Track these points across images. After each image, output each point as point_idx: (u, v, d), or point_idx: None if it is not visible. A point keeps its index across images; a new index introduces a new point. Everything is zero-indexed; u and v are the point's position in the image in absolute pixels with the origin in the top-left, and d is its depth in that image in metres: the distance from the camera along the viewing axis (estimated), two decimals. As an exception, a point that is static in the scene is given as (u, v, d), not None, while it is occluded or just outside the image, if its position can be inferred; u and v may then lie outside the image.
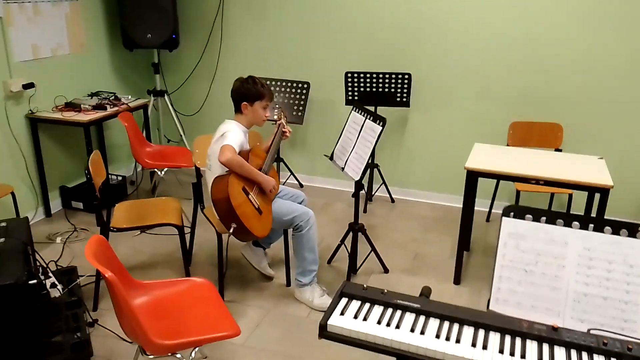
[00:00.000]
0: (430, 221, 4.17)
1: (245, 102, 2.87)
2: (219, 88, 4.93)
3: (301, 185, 4.82)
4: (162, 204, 3.21)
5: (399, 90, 4.11)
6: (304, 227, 2.92)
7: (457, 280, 3.29)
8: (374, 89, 4.13)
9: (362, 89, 4.14)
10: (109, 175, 4.55)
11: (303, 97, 4.36)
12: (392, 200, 4.53)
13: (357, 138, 3.03)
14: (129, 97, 4.37)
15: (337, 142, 3.25)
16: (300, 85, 4.36)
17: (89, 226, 3.96)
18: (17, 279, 2.22)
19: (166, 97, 4.80)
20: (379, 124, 2.85)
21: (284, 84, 4.41)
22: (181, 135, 4.90)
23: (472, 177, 3.06)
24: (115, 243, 3.64)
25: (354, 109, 3.18)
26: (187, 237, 3.41)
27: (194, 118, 5.11)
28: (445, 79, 4.22)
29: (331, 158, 3.27)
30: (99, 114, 3.90)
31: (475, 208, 4.40)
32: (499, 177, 3.00)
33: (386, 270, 3.40)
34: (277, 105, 4.32)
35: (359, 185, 3.00)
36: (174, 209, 3.13)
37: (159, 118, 4.98)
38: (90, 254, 1.91)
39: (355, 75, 4.07)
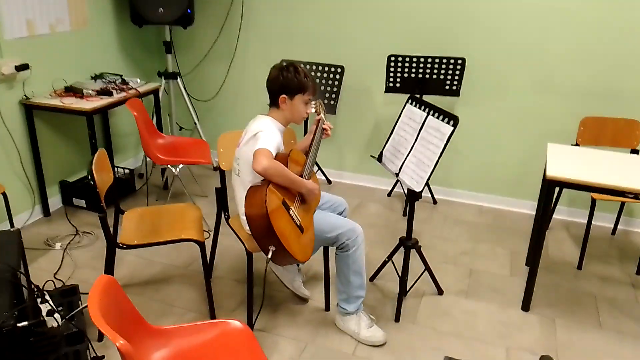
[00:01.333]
0: (480, 228, 3.66)
1: (284, 95, 2.34)
2: (239, 71, 4.39)
3: (329, 182, 4.30)
4: (179, 212, 2.70)
5: (449, 77, 3.56)
6: (350, 246, 2.42)
7: (526, 307, 2.79)
8: (420, 75, 3.58)
9: (405, 75, 3.59)
10: (115, 168, 4.05)
11: (336, 83, 3.81)
12: (435, 202, 4.02)
13: (416, 139, 2.50)
14: (138, 80, 3.84)
15: (387, 141, 2.73)
16: (333, 69, 3.81)
17: (93, 228, 3.47)
18: (1, 323, 1.73)
19: (179, 79, 4.27)
20: (448, 124, 2.32)
21: (314, 67, 3.86)
22: (195, 123, 4.37)
23: (553, 186, 2.54)
24: (123, 251, 3.16)
25: (411, 101, 2.64)
26: (208, 249, 2.92)
27: (209, 104, 4.58)
28: (500, 66, 3.66)
29: (379, 159, 2.75)
30: (104, 100, 3.37)
31: (522, 211, 3.91)
32: (588, 189, 2.48)
33: (440, 292, 2.90)
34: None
35: (413, 196, 2.49)
36: (193, 219, 2.62)
37: (170, 103, 4.44)
38: (95, 307, 1.42)
39: (400, 59, 3.52)
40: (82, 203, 3.72)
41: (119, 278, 2.93)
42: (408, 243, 2.70)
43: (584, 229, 3.14)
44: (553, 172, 2.51)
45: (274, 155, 2.21)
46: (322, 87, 3.82)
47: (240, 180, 2.41)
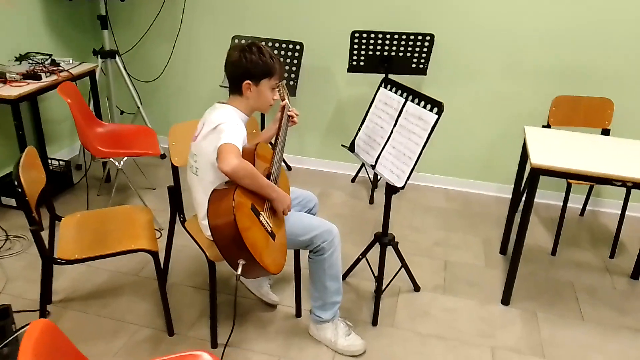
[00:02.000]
0: (450, 215, 3.50)
1: (248, 81, 2.02)
2: (185, 48, 3.99)
3: (289, 168, 4.02)
4: (126, 215, 2.36)
5: (416, 54, 3.33)
6: (326, 249, 2.17)
7: (506, 301, 2.65)
8: (385, 53, 3.33)
9: (370, 53, 3.33)
10: (49, 161, 3.61)
11: (295, 61, 3.50)
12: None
13: (394, 127, 2.26)
14: (70, 60, 3.39)
15: (359, 128, 2.47)
16: (291, 46, 3.50)
17: (26, 232, 3.06)
18: None
19: (117, 58, 3.82)
20: (431, 111, 2.08)
21: (269, 44, 3.53)
22: (138, 107, 3.96)
23: (537, 175, 2.37)
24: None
25: (385, 84, 2.39)
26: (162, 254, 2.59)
27: (153, 85, 4.16)
28: (469, 45, 3.46)
29: (352, 149, 2.49)
30: (32, 85, 2.93)
31: (490, 193, 3.79)
32: (576, 177, 2.32)
33: (417, 289, 2.72)
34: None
35: (391, 189, 2.25)
36: (143, 224, 2.29)
37: (109, 85, 3.99)
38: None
39: (365, 35, 3.24)
40: (12, 202, 3.28)
41: (58, 292, 2.57)
42: (384, 240, 2.48)
43: (555, 212, 3.04)
44: (538, 160, 2.34)
45: (241, 151, 1.91)
46: (280, 67, 3.50)
47: (199, 179, 2.09)
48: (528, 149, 2.48)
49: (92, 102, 3.56)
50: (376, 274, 2.54)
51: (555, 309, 2.62)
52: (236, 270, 1.84)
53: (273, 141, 2.25)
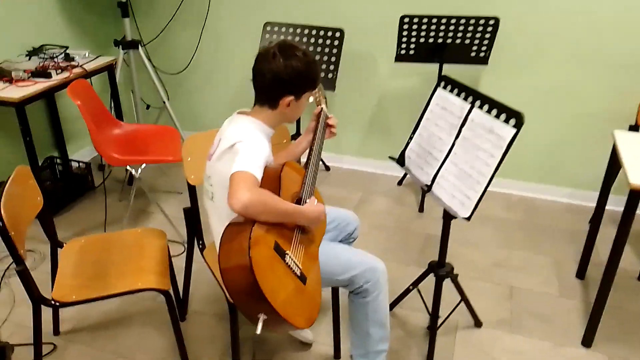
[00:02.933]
0: (511, 227, 3.03)
1: (291, 97, 1.63)
2: (213, 37, 3.61)
3: (327, 168, 3.63)
4: (135, 242, 2.02)
5: (476, 41, 2.84)
6: (370, 292, 1.77)
7: (588, 342, 2.20)
8: (440, 40, 2.86)
9: (422, 40, 2.87)
10: (70, 163, 3.34)
11: (334, 51, 3.07)
12: (454, 192, 3.37)
13: (456, 139, 1.82)
14: (87, 53, 3.07)
15: (411, 137, 2.04)
16: (330, 34, 3.06)
17: (38, 244, 2.78)
18: None
19: (140, 49, 3.49)
20: (507, 123, 1.63)
21: (306, 32, 3.11)
22: (164, 102, 3.63)
23: (637, 198, 1.89)
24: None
25: (444, 84, 1.94)
26: (180, 280, 2.25)
27: (180, 78, 3.82)
28: (536, 30, 2.94)
29: (401, 162, 2.07)
30: (40, 85, 2.62)
31: (557, 199, 3.27)
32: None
33: (478, 324, 2.29)
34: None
35: (449, 215, 1.82)
36: (155, 254, 1.95)
37: (131, 76, 3.68)
38: None
39: (416, 20, 2.78)
40: (26, 209, 3.02)
41: (65, 320, 2.28)
42: (441, 272, 2.06)
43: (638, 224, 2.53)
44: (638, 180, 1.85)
45: (260, 177, 1.52)
46: (319, 56, 3.08)
47: (215, 207, 1.72)
48: (622, 161, 1.99)
49: (111, 99, 3.25)
50: (430, 307, 2.14)
51: (649, 355, 2.15)
52: (255, 326, 1.46)
53: (306, 157, 1.85)
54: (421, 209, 3.16)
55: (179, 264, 2.43)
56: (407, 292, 2.27)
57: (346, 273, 1.75)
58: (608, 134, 3.05)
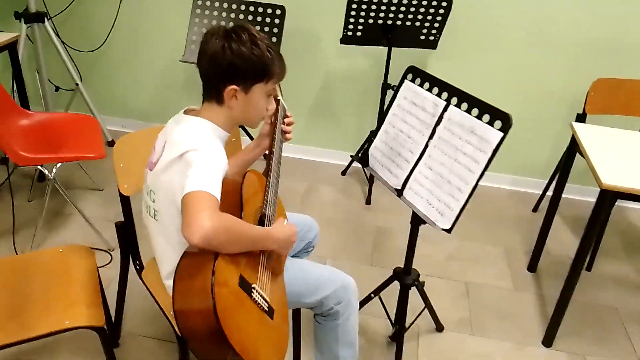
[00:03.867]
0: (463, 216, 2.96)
1: (233, 86, 1.36)
2: (135, 9, 3.19)
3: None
4: (58, 264, 1.69)
5: (426, 24, 2.68)
6: (341, 313, 1.59)
7: (548, 341, 2.16)
8: (389, 22, 2.67)
9: (370, 21, 2.66)
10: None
11: (275, 30, 2.80)
12: (401, 181, 3.25)
13: (430, 139, 1.65)
14: (-20, 28, 2.58)
15: (374, 134, 1.85)
16: (270, 11, 2.78)
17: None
18: None
19: (47, 22, 3.01)
20: (491, 124, 1.48)
21: (243, 8, 2.80)
22: (77, 84, 3.18)
23: (611, 199, 1.83)
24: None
25: (412, 76, 1.76)
26: (112, 304, 1.94)
27: (95, 55, 3.36)
28: (488, 11, 2.84)
29: (364, 162, 1.88)
30: None
31: (500, 186, 3.27)
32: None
33: (440, 328, 2.19)
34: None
35: (418, 219, 1.65)
36: (84, 278, 1.64)
37: (38, 55, 3.19)
38: None
39: (365, 0, 2.56)
40: None
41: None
42: (407, 280, 1.92)
43: (581, 209, 2.54)
44: (611, 181, 1.78)
45: (219, 195, 1.26)
46: (256, 37, 2.78)
47: (160, 228, 1.44)
48: (590, 159, 1.92)
49: (14, 83, 2.78)
50: (391, 314, 2.01)
51: (605, 349, 2.15)
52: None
53: (267, 162, 1.61)
54: (368, 202, 3.01)
55: (107, 276, 2.12)
56: (368, 299, 2.11)
57: (315, 294, 1.55)
58: (554, 120, 3.04)
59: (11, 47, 2.60)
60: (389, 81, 2.84)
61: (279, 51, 1.41)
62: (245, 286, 1.28)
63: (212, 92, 1.38)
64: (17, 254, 2.39)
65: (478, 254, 2.66)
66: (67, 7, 3.21)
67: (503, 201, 3.14)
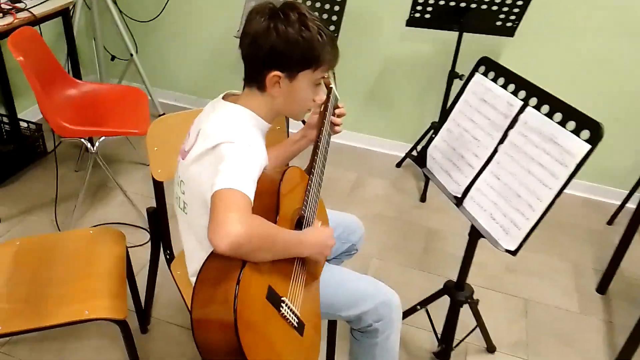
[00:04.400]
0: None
1: (276, 72, 1.19)
2: (192, -20, 3.08)
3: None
4: (86, 248, 1.60)
5: (505, 8, 2.41)
6: (381, 331, 1.42)
7: (617, 377, 1.92)
8: (463, 4, 2.42)
9: (441, 2, 2.42)
10: (19, 122, 2.85)
11: (336, 9, 2.59)
12: (460, 178, 3.01)
13: (500, 143, 1.43)
14: (36, -8, 2.53)
15: (435, 131, 1.64)
16: (332, -11, 2.58)
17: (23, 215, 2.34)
18: None
19: (105, -10, 2.95)
20: (577, 134, 1.24)
21: (303, -17, 2.61)
22: (132, 55, 3.12)
23: None
24: None
25: (485, 69, 1.53)
26: (142, 291, 1.85)
27: (150, 26, 3.28)
28: (578, -8, 2.53)
29: (421, 163, 1.68)
30: (-28, 31, 2.11)
31: (575, 193, 2.93)
32: None
33: (491, 349, 1.98)
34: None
35: (477, 233, 1.44)
36: (111, 265, 1.55)
37: (94, 22, 3.14)
38: None
39: (437, -21, 2.32)
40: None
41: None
42: (459, 296, 1.72)
43: None
44: None
45: (253, 195, 1.10)
46: (316, 14, 2.59)
47: (188, 221, 1.32)
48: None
49: (68, 52, 2.73)
50: (439, 331, 1.83)
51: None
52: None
53: (311, 157, 1.44)
54: (423, 199, 2.79)
55: (142, 256, 2.03)
56: (413, 310, 1.93)
57: (353, 308, 1.39)
58: (640, 125, 2.70)
59: (64, 13, 2.54)
60: (456, 70, 2.60)
61: (333, 35, 1.23)
62: (274, 299, 1.13)
63: (254, 78, 1.22)
64: (57, 225, 2.36)
65: (541, 267, 2.41)
66: (126, -26, 3.13)
67: (575, 210, 2.84)
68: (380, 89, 3.05)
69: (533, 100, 1.37)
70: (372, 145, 3.20)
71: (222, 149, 1.14)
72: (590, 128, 1.22)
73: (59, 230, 2.34)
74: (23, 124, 2.83)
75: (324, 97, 1.34)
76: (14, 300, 1.41)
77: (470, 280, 2.02)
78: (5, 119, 2.82)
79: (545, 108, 1.33)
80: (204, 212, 1.19)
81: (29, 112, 3.09)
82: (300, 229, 1.26)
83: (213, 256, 1.12)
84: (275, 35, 1.15)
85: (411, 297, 2.11)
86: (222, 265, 1.10)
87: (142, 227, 2.40)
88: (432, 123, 2.87)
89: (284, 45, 1.15)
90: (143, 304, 1.88)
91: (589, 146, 1.21)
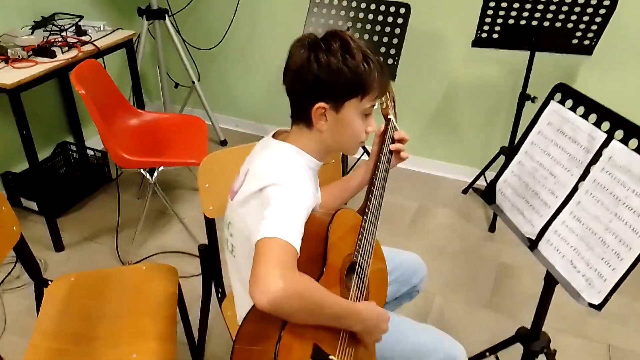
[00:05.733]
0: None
1: (321, 104, 1.12)
2: (252, 7, 3.08)
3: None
4: (138, 284, 1.58)
5: (581, 25, 2.22)
6: (446, 391, 1.28)
7: None
8: (535, 22, 2.25)
9: (510, 21, 2.27)
10: (86, 150, 2.94)
11: (397, 31, 2.49)
12: (532, 207, 2.80)
13: (580, 180, 1.27)
14: (102, 25, 2.60)
15: (505, 164, 1.50)
16: (393, 10, 2.48)
17: (43, 251, 2.40)
18: None
19: (167, 20, 3.00)
20: (677, 176, 1.07)
21: (363, 6, 2.53)
22: (193, 82, 3.15)
23: None
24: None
25: (561, 96, 1.38)
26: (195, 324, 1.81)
27: (212, 53, 3.31)
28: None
29: (489, 199, 1.53)
30: (41, 66, 2.17)
31: None
32: None
33: (571, 404, 1.78)
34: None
35: (552, 280, 1.28)
36: (161, 302, 1.51)
37: (158, 51, 3.21)
38: None
39: (507, -3, 2.18)
40: (33, 206, 2.63)
41: None
42: (534, 347, 1.55)
43: None
44: None
45: (299, 244, 1.01)
46: (376, 37, 2.51)
47: (236, 264, 1.25)
48: None
49: (132, 81, 2.78)
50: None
51: None
52: None
53: (365, 196, 1.34)
54: (492, 229, 2.61)
55: (199, 285, 2.00)
56: (481, 356, 1.77)
57: (415, 366, 1.26)
58: None
59: (128, 45, 2.59)
60: (528, 92, 2.42)
61: (380, 60, 1.14)
62: (320, 358, 1.03)
63: (300, 113, 1.15)
64: (118, 254, 2.38)
65: (626, 311, 2.16)
66: (188, 4, 3.17)
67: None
68: (444, 111, 2.90)
69: (619, 133, 1.20)
70: (436, 171, 3.05)
71: (269, 191, 1.06)
72: (692, 167, 1.05)
73: (120, 258, 2.35)
74: (90, 152, 2.92)
75: (376, 127, 1.24)
76: (63, 340, 1.39)
77: (546, 321, 1.84)
78: (73, 147, 2.92)
79: (634, 143, 1.17)
80: (251, 258, 1.11)
81: (97, 139, 3.18)
82: (353, 275, 1.16)
83: (253, 311, 1.04)
84: (316, 66, 1.08)
85: (479, 341, 1.95)
86: (261, 321, 1.02)
87: (197, 256, 2.37)
88: (502, 148, 2.69)
89: (327, 75, 1.08)
90: (196, 340, 1.83)
91: (690, 189, 1.03)
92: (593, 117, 1.28)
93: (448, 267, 2.36)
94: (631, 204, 1.14)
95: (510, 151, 1.44)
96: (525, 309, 2.14)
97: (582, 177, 1.27)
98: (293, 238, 0.99)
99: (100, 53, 2.39)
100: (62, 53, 2.27)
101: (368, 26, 2.49)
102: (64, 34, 2.45)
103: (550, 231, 1.31)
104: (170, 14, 3.07)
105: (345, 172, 1.73)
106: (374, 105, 1.20)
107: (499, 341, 1.70)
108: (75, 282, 1.58)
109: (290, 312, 0.94)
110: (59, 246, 2.39)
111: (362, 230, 1.22)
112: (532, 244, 1.35)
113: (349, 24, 2.50)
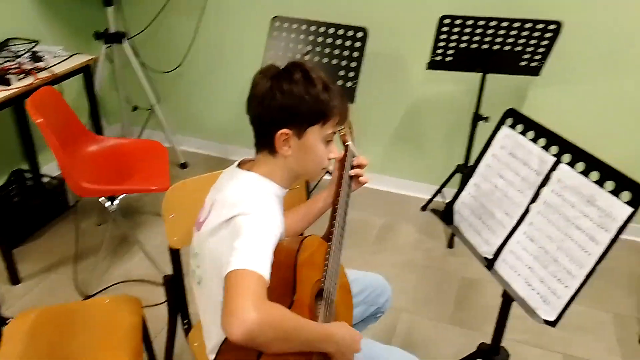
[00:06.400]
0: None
1: (284, 130, 1.15)
2: (213, 30, 3.10)
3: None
4: (103, 318, 1.55)
5: (529, 48, 2.33)
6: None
7: None
8: (485, 46, 2.35)
9: (463, 45, 2.37)
10: (41, 177, 2.87)
11: (355, 54, 2.55)
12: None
13: (531, 202, 1.34)
14: (59, 50, 2.57)
15: (462, 186, 1.56)
16: (351, 34, 2.55)
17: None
18: None
19: (126, 42, 2.98)
20: (619, 197, 1.15)
21: (322, 30, 2.59)
22: (152, 106, 3.13)
23: None
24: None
25: (512, 122, 1.45)
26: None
27: (172, 76, 3.30)
28: (602, 30, 2.44)
29: (447, 220, 1.59)
30: (-6, 94, 2.13)
31: (627, 238, 2.77)
32: None
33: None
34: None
35: (509, 299, 1.33)
36: (127, 336, 1.49)
37: (114, 76, 3.18)
38: None
39: (459, 22, 2.27)
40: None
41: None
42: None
43: None
44: None
45: (269, 273, 1.03)
46: (335, 61, 2.57)
47: (204, 294, 1.26)
48: None
49: (90, 105, 2.74)
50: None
51: None
52: None
53: (329, 223, 1.37)
54: (450, 245, 2.68)
55: (164, 314, 1.97)
56: (447, 374, 1.81)
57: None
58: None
59: (86, 70, 2.56)
60: (481, 112, 2.52)
61: (340, 89, 1.19)
62: (293, 388, 1.04)
63: (264, 141, 1.19)
64: (76, 284, 2.33)
65: (583, 320, 2.26)
66: (147, 27, 3.16)
67: (619, 252, 2.68)
68: (406, 130, 2.98)
69: (566, 157, 1.28)
70: (399, 188, 3.11)
71: (238, 221, 1.08)
72: (630, 189, 1.12)
73: (79, 289, 2.30)
74: (46, 179, 2.85)
75: (338, 154, 1.28)
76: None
77: (506, 334, 1.90)
78: (28, 174, 2.85)
79: (580, 166, 1.24)
80: (221, 289, 1.12)
81: (53, 165, 3.11)
82: (321, 300, 1.19)
83: (225, 345, 1.05)
84: (280, 94, 1.13)
85: (444, 355, 2.00)
86: (238, 351, 1.02)
87: (162, 284, 2.34)
88: (458, 166, 2.77)
89: (290, 103, 1.13)
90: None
91: (630, 209, 1.11)
92: (542, 141, 1.35)
93: (413, 284, 2.41)
94: (580, 225, 1.20)
95: (466, 171, 1.50)
96: (489, 322, 2.19)
97: (534, 199, 1.33)
98: (263, 268, 1.01)
99: (57, 79, 2.35)
100: (18, 80, 2.23)
101: (327, 50, 2.54)
102: (18, 60, 2.40)
103: (506, 250, 1.37)
104: (128, 37, 3.05)
105: (309, 195, 1.75)
106: (334, 132, 1.24)
107: (464, 356, 1.75)
108: (36, 319, 1.53)
109: (266, 342, 0.96)
110: (15, 279, 2.32)
111: (327, 256, 1.25)
112: (490, 263, 1.41)
113: (309, 47, 2.55)
